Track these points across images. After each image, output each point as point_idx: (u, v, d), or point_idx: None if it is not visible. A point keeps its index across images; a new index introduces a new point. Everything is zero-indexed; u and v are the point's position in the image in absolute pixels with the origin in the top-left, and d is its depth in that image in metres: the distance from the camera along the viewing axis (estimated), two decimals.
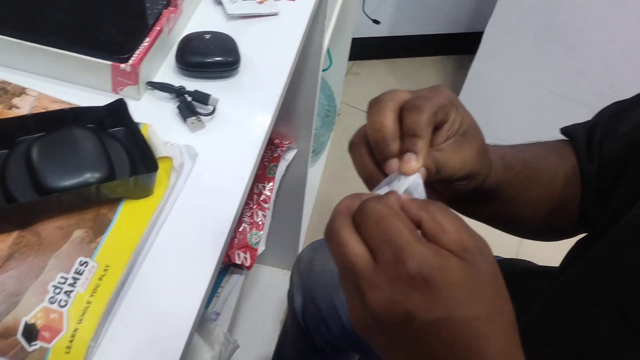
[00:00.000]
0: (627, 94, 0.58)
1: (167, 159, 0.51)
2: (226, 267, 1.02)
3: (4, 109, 0.51)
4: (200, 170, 0.55)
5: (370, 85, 2.03)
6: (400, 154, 0.40)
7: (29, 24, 0.56)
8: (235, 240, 0.99)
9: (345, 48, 1.64)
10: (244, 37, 0.66)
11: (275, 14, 0.69)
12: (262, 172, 1.06)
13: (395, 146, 0.40)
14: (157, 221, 0.50)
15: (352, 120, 1.91)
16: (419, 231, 0.34)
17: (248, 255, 0.99)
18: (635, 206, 0.51)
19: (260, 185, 1.04)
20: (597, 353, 0.45)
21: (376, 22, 1.73)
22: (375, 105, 0.41)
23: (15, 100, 0.52)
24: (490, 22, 1.52)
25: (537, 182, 0.57)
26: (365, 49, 1.99)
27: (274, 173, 1.06)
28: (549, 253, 0.88)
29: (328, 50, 1.57)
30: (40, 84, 0.56)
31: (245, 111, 0.60)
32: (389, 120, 0.40)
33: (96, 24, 0.57)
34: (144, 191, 0.48)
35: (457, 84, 1.88)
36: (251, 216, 1.01)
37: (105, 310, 0.43)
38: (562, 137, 0.62)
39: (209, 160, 0.56)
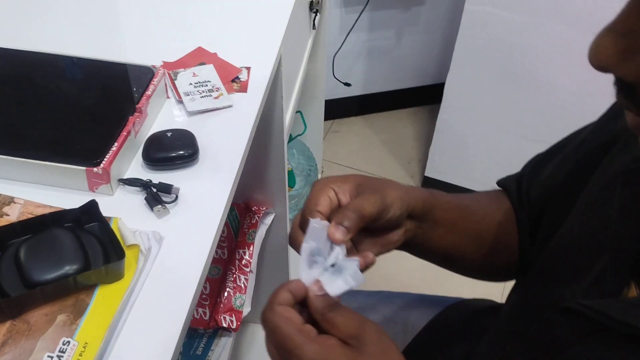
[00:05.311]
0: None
1: (135, 246, 0.60)
2: (215, 331, 1.09)
3: None
4: (166, 251, 0.64)
5: (350, 141, 2.15)
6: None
7: (14, 141, 0.66)
8: (220, 305, 1.07)
9: (320, 111, 1.76)
10: (204, 129, 0.77)
11: (230, 106, 0.80)
12: (242, 238, 1.15)
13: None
14: (129, 301, 0.58)
15: None
16: (309, 326, 0.44)
17: (234, 318, 1.07)
18: (550, 242, 0.60)
19: (241, 251, 1.13)
20: None
21: (347, 84, 1.86)
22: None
23: (5, 209, 0.62)
24: (449, 74, 1.63)
25: (472, 215, 0.66)
26: (341, 109, 2.11)
27: (253, 238, 1.15)
28: None
29: (302, 117, 1.69)
30: (28, 190, 0.66)
31: (204, 195, 0.69)
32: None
33: (72, 136, 0.68)
34: (115, 276, 0.57)
35: (431, 133, 1.99)
36: (234, 281, 1.09)
37: None
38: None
39: (174, 242, 0.65)
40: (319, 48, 1.53)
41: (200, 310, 1.06)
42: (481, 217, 0.67)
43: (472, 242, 0.66)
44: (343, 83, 1.84)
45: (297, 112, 1.67)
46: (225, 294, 1.07)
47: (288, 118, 1.09)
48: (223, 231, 1.17)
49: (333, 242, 0.47)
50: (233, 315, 1.06)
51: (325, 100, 1.82)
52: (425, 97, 2.20)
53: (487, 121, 1.67)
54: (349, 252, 0.52)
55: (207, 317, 1.05)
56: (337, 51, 1.77)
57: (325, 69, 1.65)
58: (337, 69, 1.83)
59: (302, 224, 0.52)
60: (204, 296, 1.07)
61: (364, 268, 0.50)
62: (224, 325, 1.05)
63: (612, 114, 0.60)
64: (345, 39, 1.74)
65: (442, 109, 1.73)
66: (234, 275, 1.10)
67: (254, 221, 1.17)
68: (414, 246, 0.61)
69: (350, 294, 0.96)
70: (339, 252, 0.48)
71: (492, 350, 0.64)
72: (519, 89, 1.56)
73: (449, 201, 0.63)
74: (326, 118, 1.88)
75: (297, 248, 0.51)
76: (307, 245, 0.47)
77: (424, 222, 0.59)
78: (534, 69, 1.50)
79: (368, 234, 0.55)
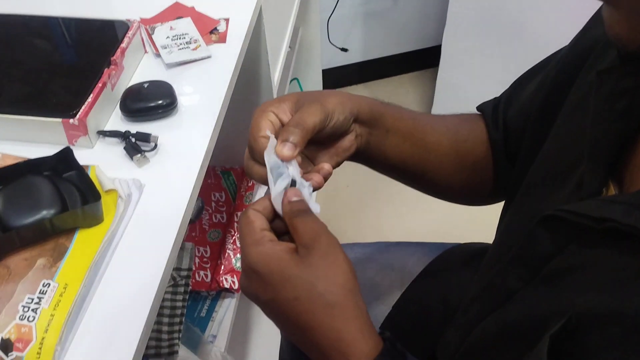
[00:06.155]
0: None
1: (113, 191, 0.60)
2: (218, 292, 1.10)
3: None
4: (147, 198, 0.63)
5: None
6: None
7: None
8: (221, 266, 1.07)
9: (318, 78, 1.75)
10: (182, 81, 0.76)
11: (208, 57, 0.79)
12: (240, 201, 1.15)
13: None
14: (111, 244, 0.58)
15: None
16: (268, 233, 0.45)
17: (235, 279, 1.07)
18: (527, 173, 0.58)
19: (239, 213, 1.13)
20: (507, 301, 0.52)
21: (344, 50, 1.84)
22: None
23: None
24: (445, 32, 1.61)
25: (430, 128, 0.63)
26: (342, 77, 2.09)
27: (251, 200, 1.14)
28: None
29: (299, 84, 1.67)
30: (7, 147, 0.66)
31: (184, 144, 0.69)
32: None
33: (48, 91, 0.68)
34: (94, 219, 0.57)
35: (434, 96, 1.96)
36: (233, 242, 1.09)
37: (66, 320, 0.51)
38: None
39: (155, 189, 0.64)
40: (310, 11, 1.51)
41: (201, 273, 1.06)
42: (442, 132, 0.64)
43: (433, 156, 0.63)
44: (340, 49, 1.82)
45: (294, 79, 1.66)
46: (226, 255, 1.08)
47: (277, 76, 1.08)
48: (221, 196, 1.17)
49: (282, 159, 0.46)
50: (234, 276, 1.06)
51: (325, 70, 1.81)
52: (426, 60, 2.17)
53: (486, 76, 1.65)
54: (306, 168, 0.52)
55: (208, 280, 1.06)
56: (331, 15, 1.75)
57: (319, 34, 1.64)
58: (332, 34, 1.80)
59: (252, 154, 0.51)
60: (204, 259, 1.08)
61: (322, 181, 0.51)
62: (226, 286, 1.05)
63: (588, 26, 0.58)
64: (337, 2, 1.72)
65: (441, 69, 1.71)
66: (233, 237, 1.10)
67: (250, 184, 1.16)
68: (370, 156, 0.60)
69: (347, 246, 0.95)
70: (294, 171, 0.47)
71: (483, 277, 0.63)
72: (515, 40, 1.52)
73: (402, 112, 0.61)
74: (327, 87, 1.87)
75: (252, 176, 0.51)
76: (268, 158, 0.47)
77: (374, 128, 0.58)
78: (529, 19, 1.47)
79: (320, 146, 0.55)
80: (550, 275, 0.46)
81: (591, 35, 0.56)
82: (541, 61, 0.65)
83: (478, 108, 0.69)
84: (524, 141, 0.62)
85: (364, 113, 0.56)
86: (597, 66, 0.52)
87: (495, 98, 0.68)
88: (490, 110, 0.66)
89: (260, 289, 0.44)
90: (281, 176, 0.46)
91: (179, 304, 0.95)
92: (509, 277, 0.51)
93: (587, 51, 0.55)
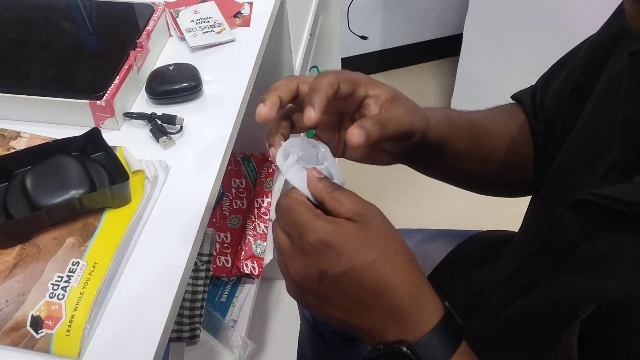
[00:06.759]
0: None
1: (140, 172, 0.60)
2: (238, 278, 1.10)
3: (3, 151, 0.62)
4: (173, 180, 0.64)
5: None
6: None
7: (18, 80, 0.67)
8: (242, 252, 1.08)
9: (337, 67, 1.74)
10: (207, 64, 0.76)
11: (232, 41, 0.79)
12: (260, 188, 1.15)
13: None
14: (138, 224, 0.59)
15: None
16: (318, 210, 0.44)
17: (256, 265, 1.07)
18: (556, 158, 0.57)
19: (259, 199, 1.13)
20: (535, 287, 0.51)
21: (364, 38, 1.82)
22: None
23: (12, 143, 0.62)
24: (467, 19, 1.59)
25: (487, 139, 0.63)
26: (361, 66, 2.08)
27: (271, 187, 1.15)
28: None
29: (318, 71, 1.67)
30: (36, 129, 0.67)
31: (209, 126, 0.69)
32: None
33: (75, 73, 0.68)
34: (122, 200, 0.57)
35: (454, 85, 1.94)
36: (254, 228, 1.10)
37: (96, 298, 0.52)
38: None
39: (181, 171, 0.65)
40: None
41: (222, 258, 1.07)
42: (496, 140, 0.64)
43: (480, 165, 0.63)
44: (359, 37, 1.81)
45: (313, 67, 1.65)
46: (246, 241, 1.08)
47: (299, 62, 1.08)
48: (241, 182, 1.17)
49: (350, 144, 0.46)
50: (255, 262, 1.07)
51: (344, 58, 1.80)
52: (447, 49, 2.15)
53: (509, 65, 1.63)
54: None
55: (229, 265, 1.06)
56: (351, 3, 1.73)
57: (339, 22, 1.63)
58: (352, 22, 1.79)
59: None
60: (225, 245, 1.08)
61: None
62: (246, 271, 1.06)
63: (617, 12, 0.57)
64: None
65: (462, 57, 1.69)
66: (254, 224, 1.10)
67: (270, 170, 1.16)
68: (405, 164, 0.60)
69: None
70: (331, 162, 0.48)
71: (508, 264, 0.62)
72: (537, 28, 1.50)
73: (466, 130, 0.60)
74: None
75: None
76: (285, 144, 0.47)
77: (428, 153, 0.57)
78: (552, 7, 1.45)
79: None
80: (579, 261, 0.46)
81: (622, 19, 0.55)
82: (574, 48, 0.65)
83: (514, 97, 0.68)
84: (556, 127, 0.61)
85: (428, 141, 0.55)
86: (629, 48, 0.51)
87: (531, 87, 0.67)
88: (529, 100, 0.65)
89: (331, 263, 0.42)
90: (290, 155, 0.47)
91: (200, 288, 0.96)
92: (536, 263, 0.51)
93: (618, 34, 0.54)
